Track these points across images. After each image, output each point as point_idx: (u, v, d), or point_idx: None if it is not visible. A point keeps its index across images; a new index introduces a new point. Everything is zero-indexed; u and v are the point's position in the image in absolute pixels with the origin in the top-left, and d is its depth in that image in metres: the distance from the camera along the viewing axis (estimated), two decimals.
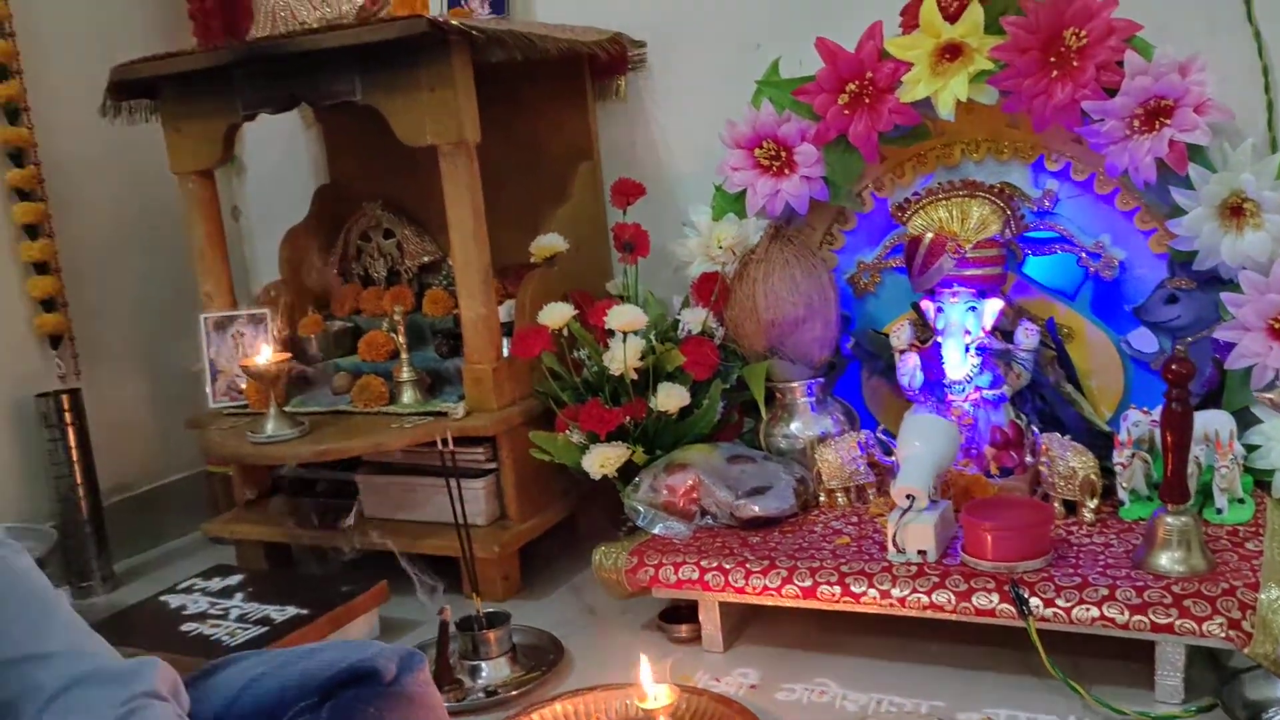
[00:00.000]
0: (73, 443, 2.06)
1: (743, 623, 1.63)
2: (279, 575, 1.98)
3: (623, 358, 1.75)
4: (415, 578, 1.59)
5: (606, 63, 2.06)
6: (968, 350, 1.70)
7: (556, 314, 1.78)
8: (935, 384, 1.73)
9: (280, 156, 2.44)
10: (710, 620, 1.58)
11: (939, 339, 1.73)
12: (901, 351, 1.76)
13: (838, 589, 1.46)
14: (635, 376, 1.78)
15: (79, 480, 2.07)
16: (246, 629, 1.59)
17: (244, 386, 2.01)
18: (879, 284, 1.92)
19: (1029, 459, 1.63)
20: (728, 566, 1.53)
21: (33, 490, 2.07)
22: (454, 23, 1.67)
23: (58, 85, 2.12)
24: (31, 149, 2.07)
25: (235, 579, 1.82)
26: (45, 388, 2.07)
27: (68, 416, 2.05)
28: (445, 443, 1.61)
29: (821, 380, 1.84)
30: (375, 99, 1.79)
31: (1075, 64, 1.59)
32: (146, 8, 2.35)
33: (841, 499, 1.71)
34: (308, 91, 1.85)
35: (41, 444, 2.05)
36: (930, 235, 1.71)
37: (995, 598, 1.36)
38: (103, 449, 2.13)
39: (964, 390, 1.70)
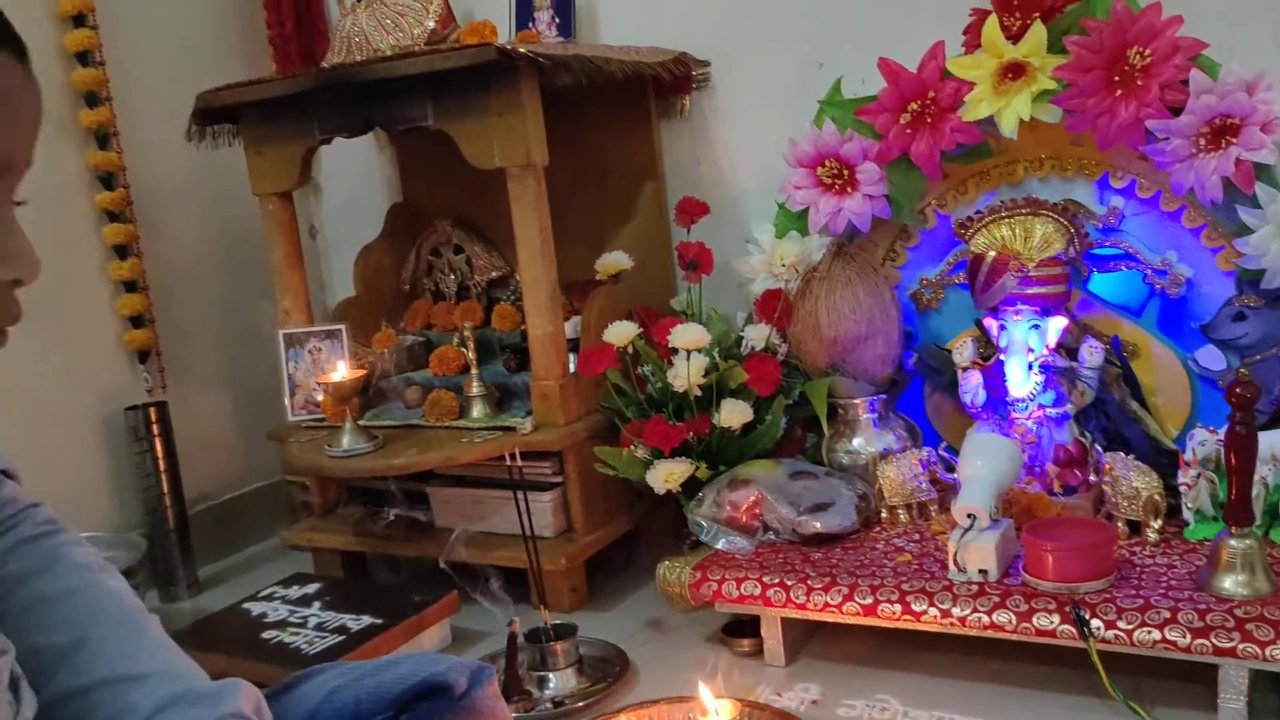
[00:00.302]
0: (160, 454, 2.15)
1: (805, 637, 1.65)
2: (354, 584, 2.04)
3: (686, 375, 1.78)
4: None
5: (671, 83, 2.09)
6: (1031, 368, 1.70)
7: (621, 332, 1.82)
8: (998, 401, 1.74)
9: (355, 177, 2.51)
10: (772, 635, 1.61)
11: (1002, 356, 1.73)
12: (964, 369, 1.77)
13: (898, 607, 1.47)
14: (699, 393, 1.81)
15: (165, 490, 2.16)
16: (324, 637, 1.65)
17: (320, 400, 2.08)
18: (942, 300, 1.92)
19: (1093, 477, 1.63)
20: (789, 583, 1.56)
21: (123, 500, 2.17)
22: (522, 50, 1.71)
23: (145, 111, 2.22)
24: (120, 173, 2.17)
25: (313, 587, 1.88)
26: (134, 401, 2.16)
27: (155, 429, 2.14)
28: (513, 457, 1.66)
29: (884, 397, 1.85)
30: (446, 124, 1.84)
31: (1139, 83, 1.58)
32: (228, 35, 2.44)
33: (903, 516, 1.72)
34: (382, 117, 1.92)
35: (131, 455, 2.15)
36: (993, 254, 1.72)
37: (1056, 619, 1.37)
38: (187, 459, 2.22)
39: (1027, 408, 1.70)
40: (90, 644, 0.76)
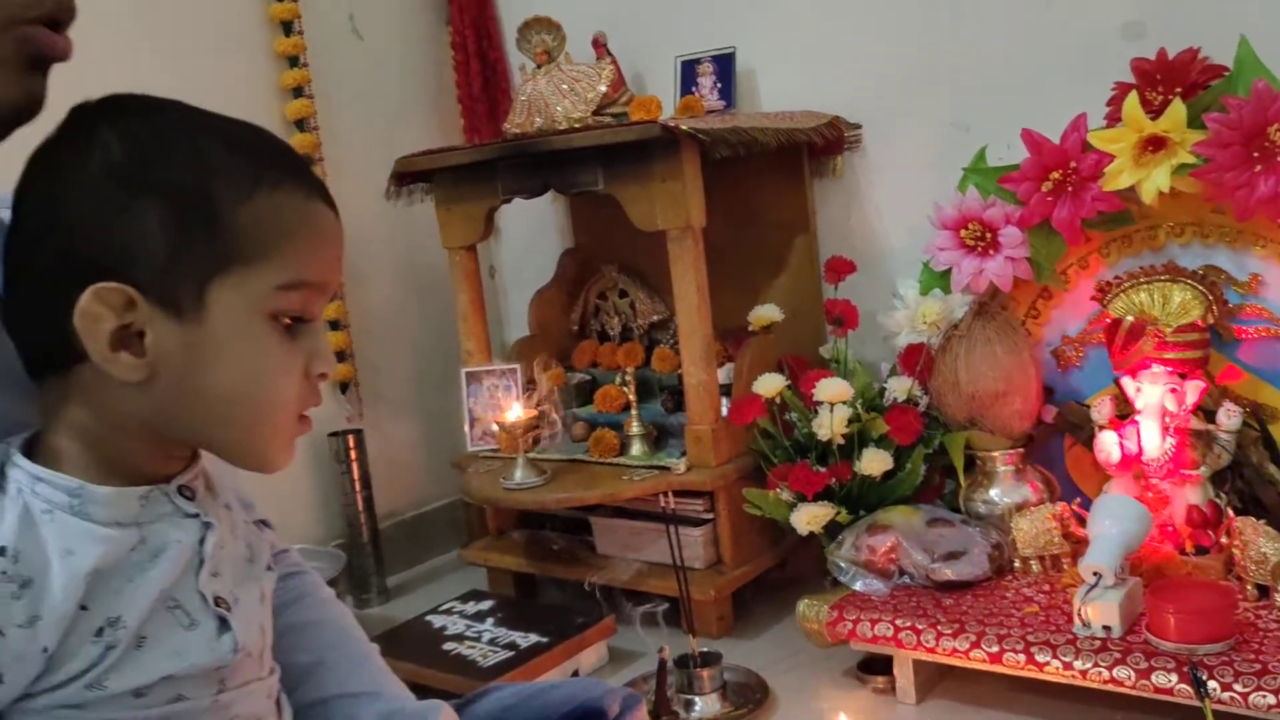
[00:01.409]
0: (355, 476, 2.42)
1: (937, 677, 1.76)
2: (523, 603, 2.24)
3: (829, 425, 1.91)
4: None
5: (824, 145, 2.22)
6: (1167, 430, 1.76)
7: (770, 384, 1.96)
8: (1134, 460, 1.80)
9: (532, 224, 2.73)
10: (904, 674, 1.72)
11: (1138, 417, 1.79)
12: (1101, 427, 1.84)
13: (1022, 657, 1.57)
14: (842, 441, 1.93)
15: (361, 508, 2.43)
16: (496, 652, 1.86)
17: (496, 432, 2.30)
18: (1084, 357, 1.99)
19: (1225, 539, 1.68)
20: (920, 627, 1.67)
21: (326, 515, 2.45)
22: (683, 128, 1.88)
23: (350, 170, 2.49)
24: None
25: (487, 604, 2.10)
26: (336, 428, 2.44)
27: (352, 454, 2.41)
28: (667, 496, 1.84)
29: (1021, 450, 1.93)
30: (614, 189, 2.03)
31: (1279, 159, 1.63)
32: (423, 97, 2.71)
33: (1035, 566, 1.80)
34: (558, 181, 2.12)
35: (334, 476, 2.42)
36: (1130, 318, 1.79)
37: (1174, 678, 1.44)
38: (379, 480, 2.48)
39: (1162, 468, 1.76)
40: (327, 665, 0.96)
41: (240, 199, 0.74)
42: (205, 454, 0.83)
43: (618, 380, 2.31)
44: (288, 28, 2.38)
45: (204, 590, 0.78)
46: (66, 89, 0.81)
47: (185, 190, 0.73)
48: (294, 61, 2.39)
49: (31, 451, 0.76)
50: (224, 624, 0.78)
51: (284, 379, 0.78)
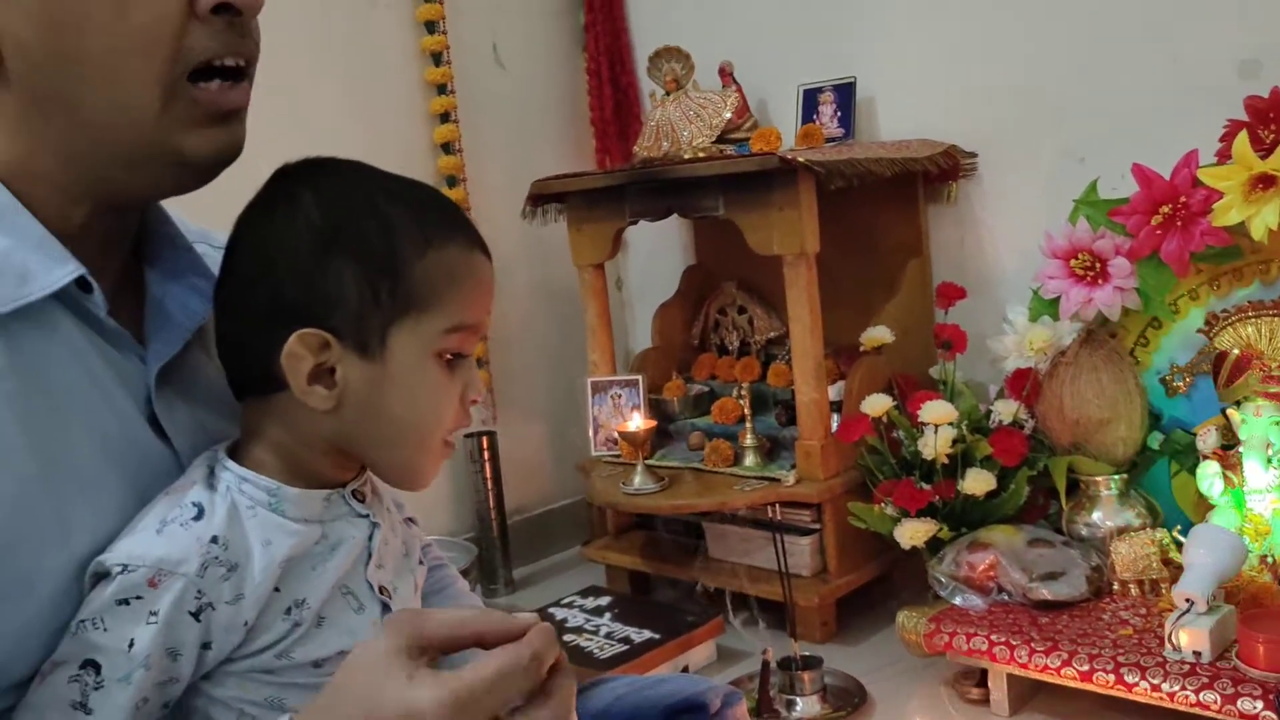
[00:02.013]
0: (488, 474, 2.60)
1: (1031, 691, 1.83)
2: (638, 600, 2.38)
3: (934, 446, 1.99)
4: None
5: (939, 173, 2.30)
6: (1270, 462, 1.79)
7: (877, 404, 2.05)
8: (1236, 490, 1.83)
9: (657, 241, 2.87)
10: (998, 687, 1.80)
11: (1241, 449, 1.83)
12: (1205, 456, 1.88)
13: (1112, 677, 1.63)
14: (946, 461, 2.01)
15: (491, 504, 2.61)
16: (612, 645, 2.01)
17: (618, 438, 2.45)
18: (1192, 386, 2.02)
19: None
20: (1014, 643, 1.74)
21: (459, 509, 2.65)
22: (801, 160, 1.99)
23: (490, 190, 2.67)
24: None
25: (604, 600, 2.25)
26: (471, 430, 2.62)
27: (486, 454, 2.59)
28: (775, 508, 1.96)
29: (1125, 475, 1.98)
30: (734, 214, 2.15)
31: None
32: (557, 120, 2.88)
33: (1134, 590, 1.85)
34: (681, 206, 2.26)
35: (468, 474, 2.61)
36: (1236, 351, 1.82)
37: (1260, 704, 1.49)
38: (509, 478, 2.66)
39: (1263, 499, 1.79)
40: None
41: (417, 255, 0.88)
42: None
43: (734, 393, 2.43)
44: (437, 58, 2.58)
45: (371, 580, 0.93)
46: (251, 121, 0.92)
47: (374, 251, 0.88)
48: (442, 89, 2.58)
49: (235, 457, 0.92)
50: (386, 609, 0.93)
51: (445, 406, 0.92)
